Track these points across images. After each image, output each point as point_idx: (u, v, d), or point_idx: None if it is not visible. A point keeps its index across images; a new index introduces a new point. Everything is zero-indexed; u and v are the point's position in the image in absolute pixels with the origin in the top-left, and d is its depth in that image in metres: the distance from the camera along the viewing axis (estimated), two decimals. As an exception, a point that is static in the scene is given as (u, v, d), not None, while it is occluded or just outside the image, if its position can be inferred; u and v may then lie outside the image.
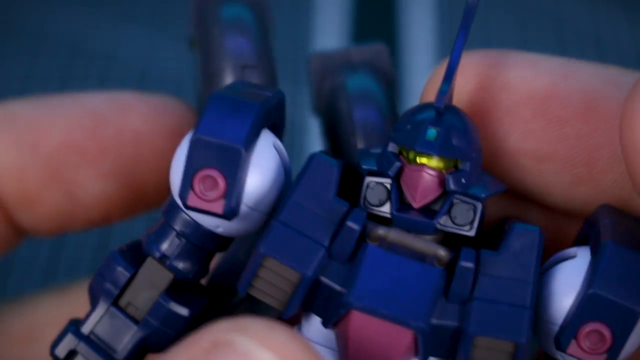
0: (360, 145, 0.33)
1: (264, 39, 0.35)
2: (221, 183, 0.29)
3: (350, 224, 0.29)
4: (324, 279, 0.29)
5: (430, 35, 0.77)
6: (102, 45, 0.75)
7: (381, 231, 0.29)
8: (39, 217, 0.36)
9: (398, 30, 0.76)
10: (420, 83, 0.77)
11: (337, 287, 0.29)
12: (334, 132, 0.35)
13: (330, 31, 0.77)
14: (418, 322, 0.28)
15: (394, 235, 0.29)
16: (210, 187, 0.29)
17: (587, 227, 0.31)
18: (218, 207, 0.29)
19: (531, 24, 0.77)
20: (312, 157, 0.30)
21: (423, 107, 0.30)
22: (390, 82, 0.36)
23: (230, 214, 0.29)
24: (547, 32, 0.76)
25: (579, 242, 0.32)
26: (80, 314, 0.32)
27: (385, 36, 0.76)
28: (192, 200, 0.29)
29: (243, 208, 0.29)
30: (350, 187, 0.31)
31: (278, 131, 0.32)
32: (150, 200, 0.38)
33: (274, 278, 0.29)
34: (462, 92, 0.32)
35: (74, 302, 0.39)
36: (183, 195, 0.29)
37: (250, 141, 0.29)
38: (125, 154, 0.36)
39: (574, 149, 0.31)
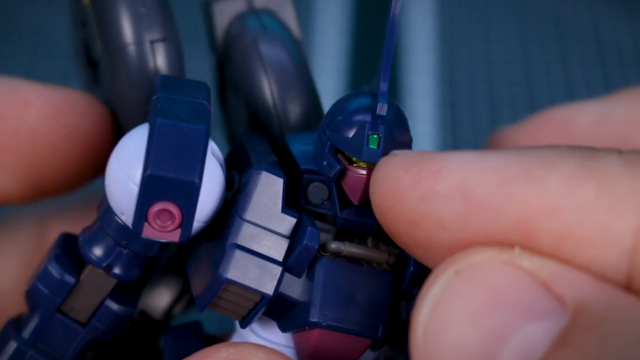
0: (272, 83, 0.33)
1: (164, 2, 0.33)
2: (177, 215, 0.28)
3: (308, 243, 0.29)
4: (283, 293, 0.29)
5: (431, 35, 0.77)
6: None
7: (334, 245, 0.30)
8: None
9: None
10: (420, 83, 0.77)
11: (297, 301, 0.30)
12: (241, 76, 0.34)
13: (330, 31, 0.77)
14: (379, 334, 0.29)
15: (347, 249, 0.30)
16: (166, 219, 0.28)
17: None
18: (174, 236, 0.29)
19: (531, 24, 0.77)
20: (258, 173, 0.30)
21: (356, 101, 0.30)
22: (293, 31, 0.36)
23: (185, 239, 0.29)
24: (547, 32, 0.76)
25: None
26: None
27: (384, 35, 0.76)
28: (147, 231, 0.29)
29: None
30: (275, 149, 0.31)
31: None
32: (49, 192, 0.38)
33: (235, 298, 0.29)
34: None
35: None
36: (137, 227, 0.28)
37: (203, 170, 0.29)
38: (23, 151, 0.35)
39: None
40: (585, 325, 0.23)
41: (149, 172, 0.28)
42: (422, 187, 0.26)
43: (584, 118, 0.36)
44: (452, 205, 0.25)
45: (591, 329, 0.23)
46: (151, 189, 0.28)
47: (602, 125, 0.35)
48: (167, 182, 0.28)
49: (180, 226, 0.28)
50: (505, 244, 0.25)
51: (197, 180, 0.28)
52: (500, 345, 0.24)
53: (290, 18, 0.36)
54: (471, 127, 0.70)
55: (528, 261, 0.25)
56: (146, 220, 0.28)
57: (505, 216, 0.25)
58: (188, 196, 0.28)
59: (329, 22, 0.77)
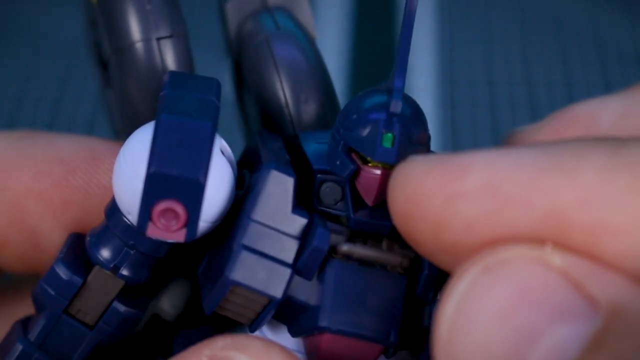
0: (284, 83, 0.32)
1: None
2: (182, 213, 0.28)
3: (317, 244, 0.28)
4: (293, 296, 0.29)
5: (431, 35, 0.77)
6: (102, 46, 0.75)
7: (345, 247, 0.29)
8: (7, 258, 0.35)
9: (398, 30, 0.76)
10: (421, 83, 0.77)
11: (307, 304, 0.29)
12: (253, 75, 0.34)
13: (330, 31, 0.77)
14: (391, 339, 0.29)
15: (359, 251, 0.29)
16: (171, 218, 0.28)
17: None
18: (180, 235, 0.28)
19: (531, 24, 0.77)
20: (268, 171, 0.29)
21: (372, 99, 0.29)
22: (308, 30, 0.35)
23: (191, 240, 0.28)
24: (547, 32, 0.76)
25: None
26: None
27: (385, 37, 0.76)
28: (152, 231, 0.28)
29: (200, 224, 0.29)
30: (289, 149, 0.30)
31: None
32: None
33: (243, 301, 0.28)
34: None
35: None
36: (142, 226, 0.28)
37: (208, 168, 0.28)
38: (90, 208, 0.34)
39: None
40: (620, 329, 0.23)
41: (152, 169, 0.27)
42: (447, 189, 0.25)
43: (607, 114, 0.36)
44: (480, 204, 0.24)
45: (627, 334, 0.23)
46: (155, 187, 0.27)
47: (626, 120, 0.35)
48: (171, 180, 0.27)
49: (185, 226, 0.28)
50: (535, 240, 0.24)
51: (201, 179, 0.27)
52: (529, 346, 0.23)
53: (305, 16, 0.35)
54: (471, 127, 0.70)
55: (560, 259, 0.24)
56: (150, 219, 0.28)
57: (536, 210, 0.24)
58: (193, 195, 0.28)
59: (329, 24, 0.77)
